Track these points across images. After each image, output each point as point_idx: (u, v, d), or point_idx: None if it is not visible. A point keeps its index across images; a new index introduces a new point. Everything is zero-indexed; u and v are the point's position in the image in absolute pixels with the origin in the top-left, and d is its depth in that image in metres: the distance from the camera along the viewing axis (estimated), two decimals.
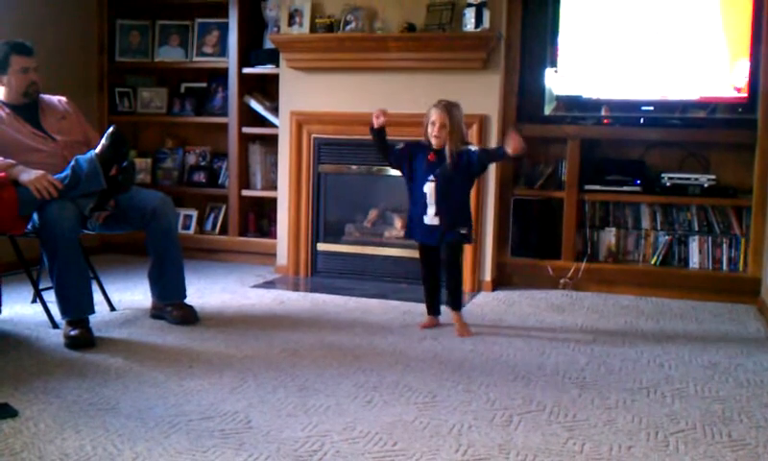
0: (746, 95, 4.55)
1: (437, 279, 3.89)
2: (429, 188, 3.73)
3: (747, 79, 4.53)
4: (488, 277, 4.84)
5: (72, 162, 3.57)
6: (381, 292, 4.64)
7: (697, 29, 4.61)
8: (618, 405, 2.81)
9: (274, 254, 5.30)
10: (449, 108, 3.68)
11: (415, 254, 4.76)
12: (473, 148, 3.77)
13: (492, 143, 4.75)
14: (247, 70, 5.45)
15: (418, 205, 3.80)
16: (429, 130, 3.72)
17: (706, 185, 4.70)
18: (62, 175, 3.54)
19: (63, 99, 3.99)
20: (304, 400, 2.79)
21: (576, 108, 4.89)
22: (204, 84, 5.78)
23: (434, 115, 3.69)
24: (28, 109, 3.78)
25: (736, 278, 4.67)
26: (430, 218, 3.75)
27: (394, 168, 4.08)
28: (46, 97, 3.91)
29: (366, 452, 2.35)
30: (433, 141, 3.70)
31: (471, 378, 3.06)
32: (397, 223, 5.10)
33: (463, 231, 3.77)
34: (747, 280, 4.61)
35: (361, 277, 5.01)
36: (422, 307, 3.97)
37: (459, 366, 3.22)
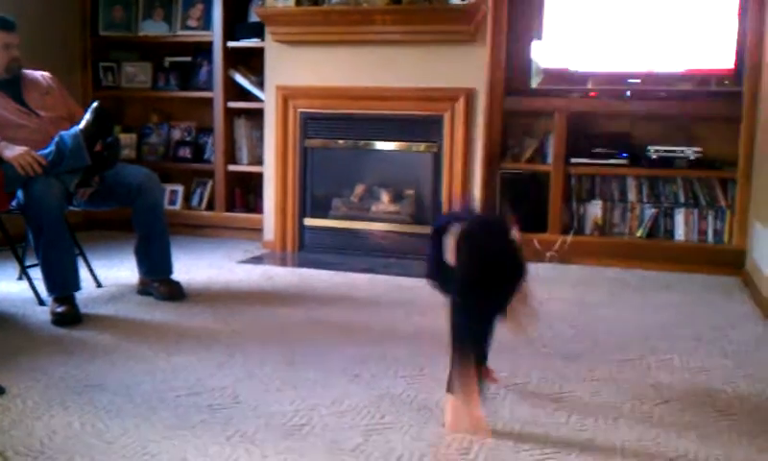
0: (732, 67, 4.56)
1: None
2: None
3: (733, 51, 4.54)
4: None
5: (56, 138, 3.54)
6: (369, 267, 4.65)
7: (684, 1, 4.60)
8: (604, 377, 2.83)
9: (260, 230, 5.30)
10: None
11: (403, 228, 4.78)
12: None
13: (479, 118, 4.75)
14: (232, 44, 5.41)
15: None
16: None
17: (692, 158, 4.71)
18: (47, 151, 3.51)
19: (47, 74, 3.95)
20: (292, 374, 2.80)
21: (563, 80, 4.88)
22: (189, 59, 5.74)
23: None
24: (10, 84, 3.74)
25: (721, 250, 4.70)
26: None
27: None
28: (29, 72, 3.87)
29: (354, 426, 2.36)
30: None
31: None
32: (384, 197, 5.09)
33: None
34: (732, 252, 4.64)
35: (348, 251, 5.01)
36: (410, 281, 3.95)
37: (446, 340, 3.23)
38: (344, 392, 2.63)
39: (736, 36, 4.52)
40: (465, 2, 4.57)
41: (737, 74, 4.56)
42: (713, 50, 4.58)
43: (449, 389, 2.35)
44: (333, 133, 5.06)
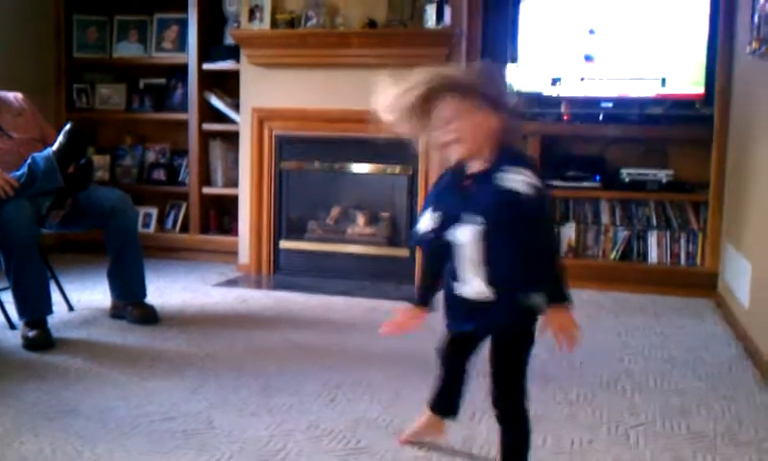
0: (702, 91, 4.62)
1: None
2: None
3: (703, 75, 4.60)
4: None
5: (29, 160, 3.51)
6: (345, 289, 4.63)
7: (655, 26, 4.67)
8: (580, 399, 2.83)
9: (235, 253, 5.27)
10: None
11: (379, 251, 4.75)
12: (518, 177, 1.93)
13: None
14: (207, 66, 5.40)
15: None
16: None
17: (664, 181, 4.76)
18: (19, 173, 3.48)
19: (20, 95, 3.91)
20: (267, 399, 2.78)
21: (536, 104, 4.92)
22: (164, 81, 5.72)
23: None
24: None
25: (694, 272, 4.74)
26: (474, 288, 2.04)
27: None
28: (1, 93, 3.84)
29: (329, 451, 2.34)
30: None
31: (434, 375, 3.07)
32: (360, 220, 5.09)
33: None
34: (704, 275, 4.68)
35: (324, 274, 5.00)
36: (386, 304, 3.94)
37: (423, 363, 3.21)
38: (319, 416, 2.62)
39: (706, 61, 4.59)
40: (440, 26, 4.61)
41: (708, 98, 4.62)
42: (684, 74, 4.65)
43: (431, 405, 2.40)
44: (309, 155, 5.06)
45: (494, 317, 2.03)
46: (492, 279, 1.98)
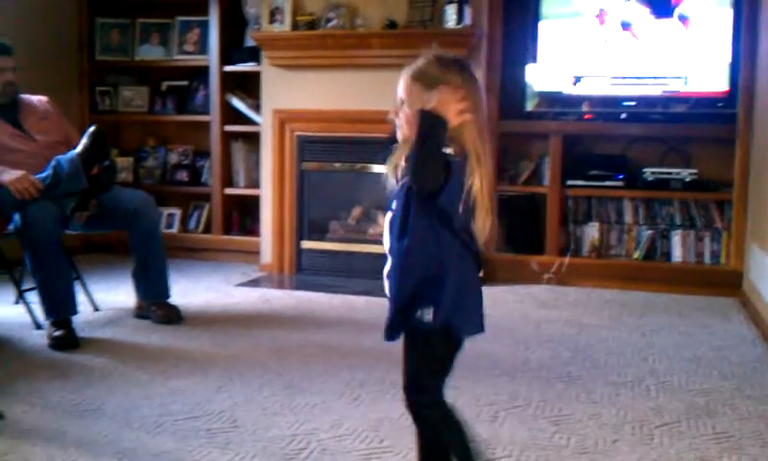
0: (726, 89, 4.58)
1: None
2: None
3: (727, 73, 4.57)
4: None
5: (53, 162, 3.54)
6: (366, 289, 4.63)
7: (678, 24, 4.64)
8: (603, 399, 2.82)
9: (258, 253, 5.29)
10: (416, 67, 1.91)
11: None
12: None
13: None
14: (228, 68, 5.43)
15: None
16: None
17: (687, 180, 4.73)
18: (43, 175, 3.51)
19: (44, 99, 3.95)
20: (290, 398, 2.79)
21: (558, 103, 4.90)
22: (186, 83, 5.75)
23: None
24: (7, 109, 3.75)
25: (718, 271, 4.71)
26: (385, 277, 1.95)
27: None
28: (26, 97, 3.88)
29: (353, 450, 2.35)
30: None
31: (457, 374, 3.05)
32: (381, 220, 5.09)
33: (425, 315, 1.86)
34: (729, 274, 4.64)
35: (346, 274, 5.00)
36: None
37: None
38: (342, 415, 2.62)
39: (730, 59, 4.55)
40: (460, 26, 4.60)
41: (731, 96, 4.58)
42: (708, 72, 4.61)
43: None
44: (330, 155, 5.07)
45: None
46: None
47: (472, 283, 1.86)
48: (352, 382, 2.95)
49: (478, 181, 1.77)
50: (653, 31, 4.68)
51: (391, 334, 1.91)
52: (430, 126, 1.74)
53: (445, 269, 1.80)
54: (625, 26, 4.73)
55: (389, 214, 1.91)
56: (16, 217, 3.49)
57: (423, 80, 1.84)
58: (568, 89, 4.84)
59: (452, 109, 1.76)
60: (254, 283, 4.84)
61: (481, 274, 1.89)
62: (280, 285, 4.85)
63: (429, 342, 1.89)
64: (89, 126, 3.71)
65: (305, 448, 2.35)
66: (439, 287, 1.81)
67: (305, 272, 5.13)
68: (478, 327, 1.89)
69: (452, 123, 1.76)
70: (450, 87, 1.80)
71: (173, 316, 3.83)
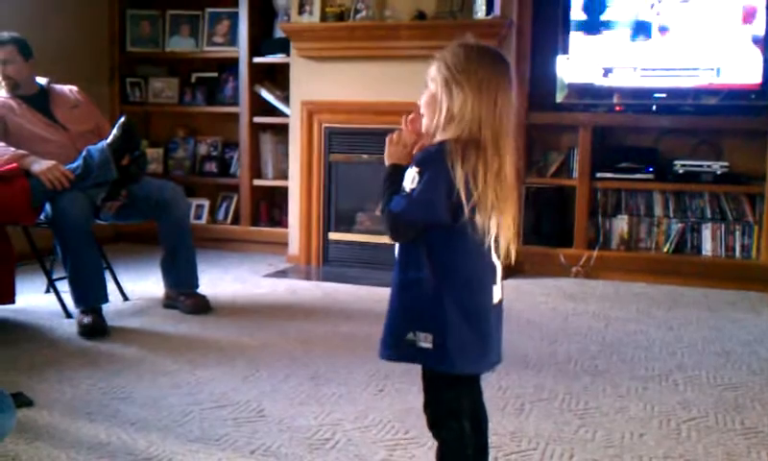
0: (759, 81, 4.52)
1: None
2: None
3: (760, 65, 4.50)
4: None
5: (84, 152, 3.59)
6: None
7: (710, 15, 4.58)
8: (630, 393, 2.80)
9: (285, 244, 5.31)
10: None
11: None
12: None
13: None
14: (257, 59, 5.45)
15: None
16: None
17: (718, 172, 4.67)
18: (74, 165, 3.55)
19: (75, 88, 4.00)
20: (317, 388, 2.80)
21: (588, 95, 4.86)
22: (215, 74, 5.78)
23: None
24: (39, 99, 3.80)
25: (749, 265, 4.65)
26: None
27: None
28: (57, 87, 3.93)
29: (378, 441, 2.35)
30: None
31: None
32: None
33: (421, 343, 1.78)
34: (760, 268, 4.58)
35: (372, 265, 5.01)
36: None
37: None
38: (368, 406, 2.63)
39: (762, 50, 4.49)
40: (489, 17, 4.58)
41: (764, 88, 4.52)
42: (740, 64, 4.55)
43: None
44: (357, 147, 5.07)
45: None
46: None
47: (482, 309, 1.71)
48: (378, 374, 2.95)
49: (482, 170, 1.66)
50: (685, 21, 4.62)
51: (383, 351, 1.86)
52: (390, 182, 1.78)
53: (445, 291, 1.67)
54: (656, 16, 4.67)
55: None
56: (47, 207, 3.53)
57: (448, 73, 1.80)
58: (599, 81, 4.80)
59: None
60: (282, 274, 4.87)
61: (498, 294, 1.72)
62: (307, 276, 4.87)
63: (434, 384, 1.80)
64: (120, 116, 3.74)
65: (331, 438, 2.37)
66: (437, 312, 1.67)
67: (332, 263, 5.14)
68: (488, 363, 1.79)
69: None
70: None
71: (201, 306, 3.86)
